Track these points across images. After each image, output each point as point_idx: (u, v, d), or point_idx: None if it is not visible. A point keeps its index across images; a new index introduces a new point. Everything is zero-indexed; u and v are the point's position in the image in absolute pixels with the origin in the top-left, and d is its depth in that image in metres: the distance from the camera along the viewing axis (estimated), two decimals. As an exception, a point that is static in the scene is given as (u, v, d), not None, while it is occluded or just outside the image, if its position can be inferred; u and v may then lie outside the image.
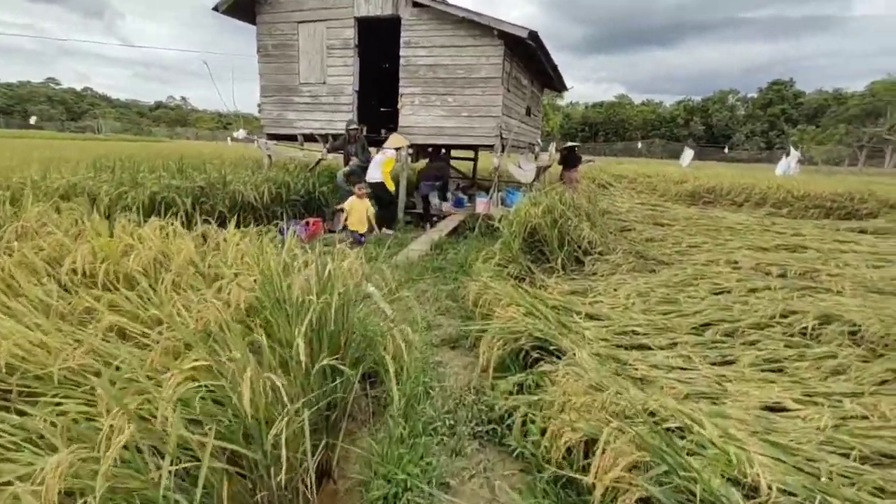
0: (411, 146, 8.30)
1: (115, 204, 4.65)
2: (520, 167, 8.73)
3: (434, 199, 8.32)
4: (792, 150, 16.89)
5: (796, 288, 4.37)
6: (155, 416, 1.64)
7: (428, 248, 5.86)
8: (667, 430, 1.65)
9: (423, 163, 9.26)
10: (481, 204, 8.08)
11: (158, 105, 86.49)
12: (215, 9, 8.36)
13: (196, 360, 1.76)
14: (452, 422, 2.15)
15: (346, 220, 6.33)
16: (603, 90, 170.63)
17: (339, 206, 7.83)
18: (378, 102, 11.04)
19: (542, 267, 4.59)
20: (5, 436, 1.49)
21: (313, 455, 1.65)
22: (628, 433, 1.50)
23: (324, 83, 8.50)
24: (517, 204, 5.46)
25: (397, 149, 7.75)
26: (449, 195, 8.66)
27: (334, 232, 7.51)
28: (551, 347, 2.52)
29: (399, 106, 8.14)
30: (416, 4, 7.55)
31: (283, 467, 1.35)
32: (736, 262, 5.52)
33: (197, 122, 71.27)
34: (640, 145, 45.02)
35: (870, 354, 2.93)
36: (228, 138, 8.78)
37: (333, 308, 2.07)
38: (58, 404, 1.83)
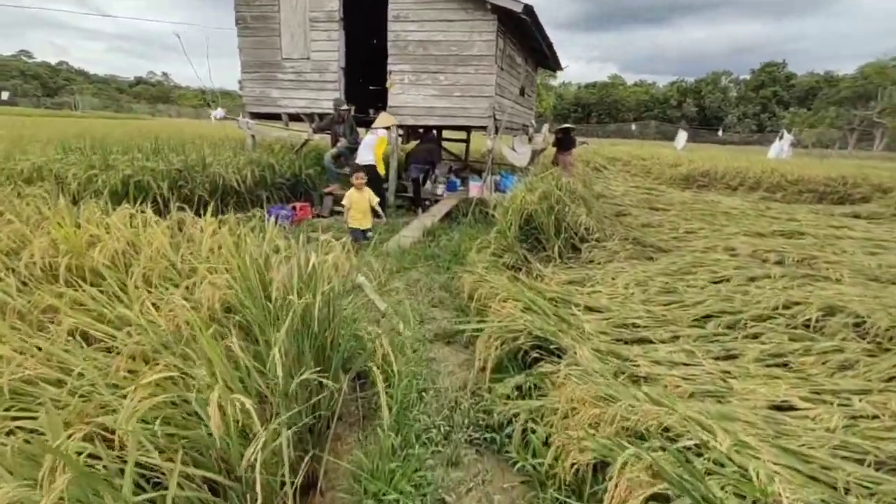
0: (401, 127, 7.99)
1: (84, 188, 4.35)
2: (514, 150, 8.50)
3: (427, 184, 8.09)
4: (785, 133, 16.83)
5: (796, 276, 4.30)
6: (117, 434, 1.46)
7: (420, 235, 5.67)
8: (683, 449, 1.52)
9: (413, 144, 8.95)
10: (475, 188, 7.86)
11: (139, 81, 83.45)
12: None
13: (162, 370, 1.58)
14: (448, 428, 2.01)
15: (347, 216, 5.64)
16: (596, 70, 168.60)
17: (327, 190, 7.55)
18: (366, 81, 10.61)
19: (538, 256, 4.44)
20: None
21: (296, 474, 1.49)
22: (644, 459, 1.36)
23: (308, 59, 8.08)
24: (512, 190, 5.27)
25: (387, 128, 7.45)
26: (440, 178, 8.41)
27: (323, 217, 7.26)
28: (551, 346, 2.38)
29: (388, 84, 7.79)
30: (404, -26, 7.14)
31: (259, 498, 1.19)
32: (734, 249, 5.44)
33: (179, 100, 68.95)
34: (633, 127, 44.66)
35: (876, 348, 2.85)
36: (213, 117, 8.36)
37: (317, 307, 1.90)
38: (14, 419, 1.65)
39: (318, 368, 1.65)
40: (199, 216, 3.21)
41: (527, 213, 4.50)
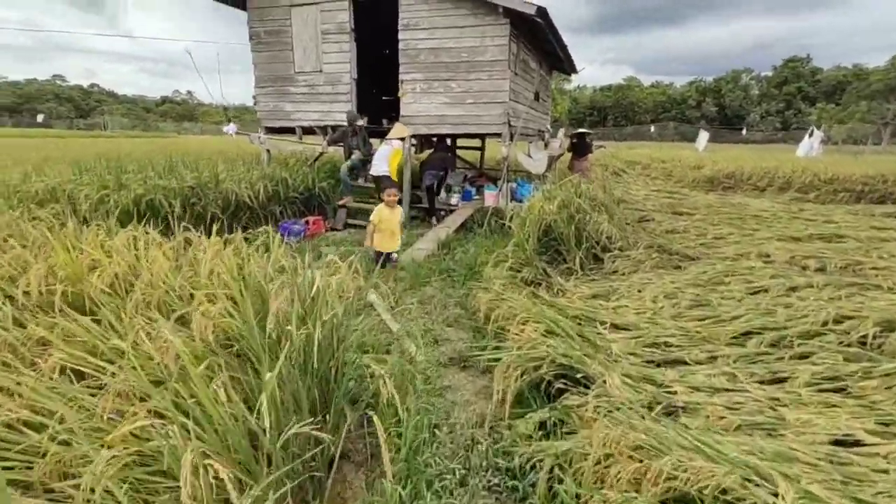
0: (414, 136, 7.87)
1: (95, 209, 4.33)
2: (529, 156, 8.27)
3: (442, 193, 7.93)
4: (814, 129, 16.10)
5: (842, 285, 3.95)
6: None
7: (435, 248, 5.49)
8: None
9: (426, 154, 8.83)
10: (490, 197, 7.66)
11: (165, 100, 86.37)
12: (205, -5, 7.95)
13: (146, 416, 1.44)
14: (464, 471, 1.81)
15: (371, 237, 4.84)
16: (611, 73, 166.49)
17: (340, 203, 7.48)
18: (378, 91, 10.58)
19: (558, 268, 4.20)
20: None
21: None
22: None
23: (320, 71, 8.08)
24: (529, 198, 5.05)
25: (402, 139, 7.34)
26: (455, 188, 8.24)
27: (336, 230, 7.16)
28: (577, 375, 2.15)
29: (400, 94, 7.70)
30: (414, -18, 7.06)
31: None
32: (768, 256, 5.09)
33: (203, 117, 71.01)
34: (652, 129, 43.74)
35: (948, 371, 2.52)
36: (225, 132, 8.44)
37: (318, 338, 1.73)
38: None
39: (318, 410, 1.47)
40: (211, 234, 3.10)
41: (545, 224, 4.28)
